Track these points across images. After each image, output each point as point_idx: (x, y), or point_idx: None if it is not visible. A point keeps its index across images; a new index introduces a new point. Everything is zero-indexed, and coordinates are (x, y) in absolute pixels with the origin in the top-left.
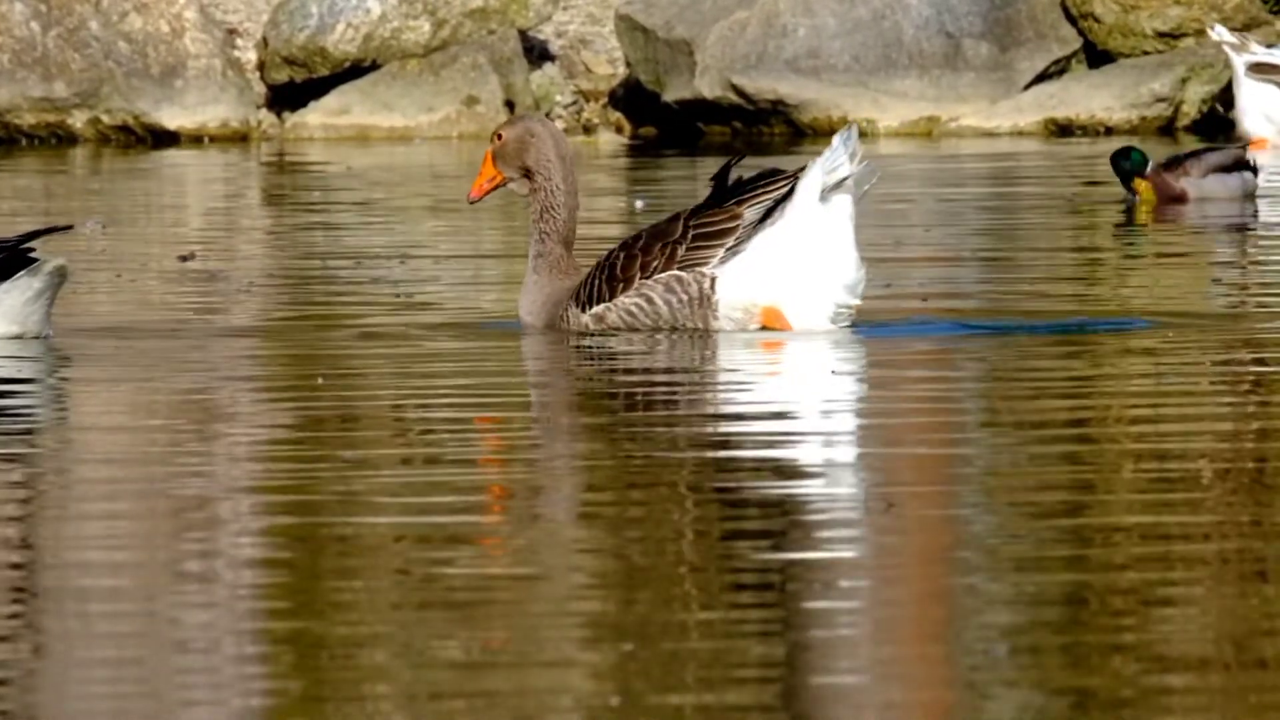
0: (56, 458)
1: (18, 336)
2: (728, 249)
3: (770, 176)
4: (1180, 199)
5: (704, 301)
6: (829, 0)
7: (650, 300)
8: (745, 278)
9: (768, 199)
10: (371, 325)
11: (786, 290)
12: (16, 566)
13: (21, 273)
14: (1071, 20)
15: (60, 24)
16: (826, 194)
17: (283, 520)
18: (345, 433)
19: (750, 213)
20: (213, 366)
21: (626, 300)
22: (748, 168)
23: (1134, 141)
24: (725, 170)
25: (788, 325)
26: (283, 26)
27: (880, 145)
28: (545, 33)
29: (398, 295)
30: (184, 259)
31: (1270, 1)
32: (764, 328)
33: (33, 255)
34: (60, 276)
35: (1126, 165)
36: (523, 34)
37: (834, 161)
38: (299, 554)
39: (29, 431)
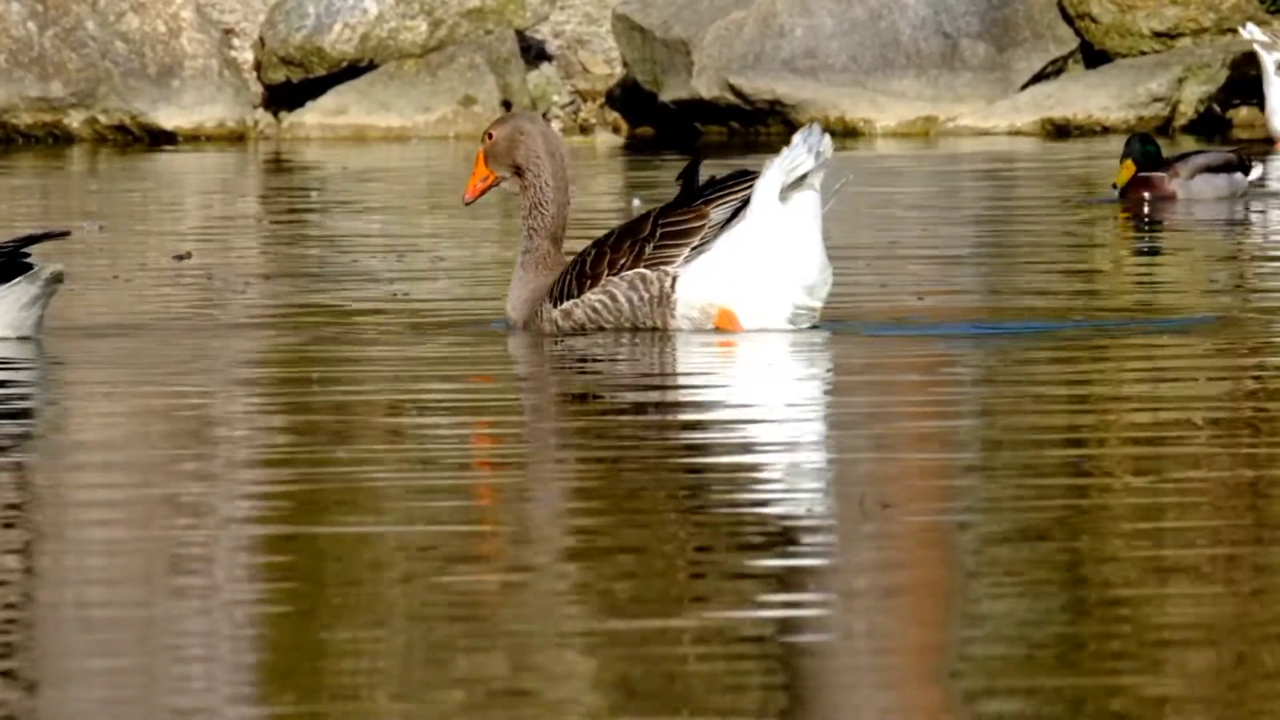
0: (51, 457)
1: (11, 340)
2: (692, 248)
3: (741, 176)
4: (1170, 199)
5: (663, 300)
6: (826, 0)
7: (614, 298)
8: (703, 278)
9: (736, 199)
10: (367, 324)
11: (741, 291)
12: (14, 569)
13: (19, 278)
14: (1068, 20)
15: (57, 24)
16: (789, 192)
17: (278, 520)
18: (339, 431)
19: (717, 212)
20: (209, 365)
21: (592, 297)
22: (736, 166)
23: None
24: (692, 169)
25: (739, 327)
26: (279, 26)
27: (877, 145)
28: (542, 33)
29: (394, 294)
30: (180, 258)
31: (1268, 1)
32: (717, 329)
33: (28, 261)
34: (56, 282)
35: (1135, 146)
36: (520, 34)
37: (794, 159)
38: (295, 555)
39: (24, 432)
